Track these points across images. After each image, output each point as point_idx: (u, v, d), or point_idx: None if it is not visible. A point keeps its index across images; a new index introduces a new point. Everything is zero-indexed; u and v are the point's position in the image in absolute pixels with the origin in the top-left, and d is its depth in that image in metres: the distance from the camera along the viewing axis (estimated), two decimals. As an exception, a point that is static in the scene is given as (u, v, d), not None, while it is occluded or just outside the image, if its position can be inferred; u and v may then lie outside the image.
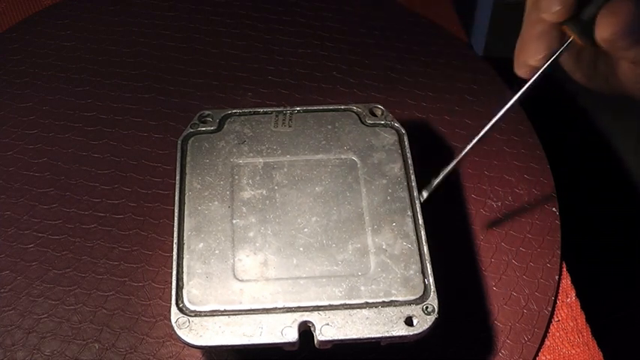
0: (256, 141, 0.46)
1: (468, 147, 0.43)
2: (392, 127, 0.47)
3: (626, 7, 0.36)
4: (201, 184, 0.44)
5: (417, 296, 0.40)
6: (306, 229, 0.42)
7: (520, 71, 0.41)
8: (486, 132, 0.42)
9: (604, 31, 0.37)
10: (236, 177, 0.44)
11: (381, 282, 0.40)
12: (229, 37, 0.62)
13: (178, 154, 0.46)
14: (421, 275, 0.40)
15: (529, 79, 0.40)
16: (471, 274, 0.48)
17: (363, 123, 0.47)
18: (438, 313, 0.39)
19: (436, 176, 0.44)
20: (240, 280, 0.40)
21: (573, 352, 0.46)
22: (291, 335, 0.38)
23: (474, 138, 0.43)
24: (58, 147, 0.54)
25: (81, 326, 0.45)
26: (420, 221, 0.43)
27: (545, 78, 0.40)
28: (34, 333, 0.45)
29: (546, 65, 0.40)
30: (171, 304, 0.39)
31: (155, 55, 0.61)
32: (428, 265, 0.41)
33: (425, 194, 0.44)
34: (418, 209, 0.43)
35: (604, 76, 0.44)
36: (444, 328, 0.40)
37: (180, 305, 0.39)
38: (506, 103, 0.41)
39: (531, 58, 0.40)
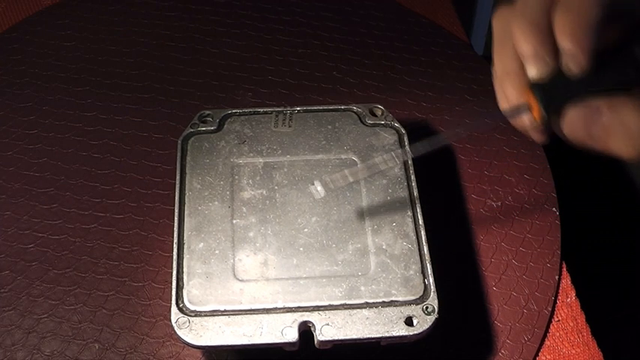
0: (256, 141, 0.46)
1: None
2: (392, 127, 0.47)
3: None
4: (201, 184, 0.44)
5: (417, 296, 0.40)
6: (306, 229, 0.42)
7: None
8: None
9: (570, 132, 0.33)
10: (236, 177, 0.44)
11: (381, 282, 0.40)
12: (229, 37, 0.62)
13: (178, 154, 0.46)
14: (421, 275, 0.40)
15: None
16: (471, 274, 0.48)
17: (363, 123, 0.47)
18: (438, 313, 0.39)
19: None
20: (240, 280, 0.40)
21: (573, 352, 0.46)
22: (292, 335, 0.38)
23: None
24: (58, 147, 0.54)
25: (81, 326, 0.45)
26: (420, 221, 0.43)
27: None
28: (34, 333, 0.45)
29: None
30: (171, 304, 0.39)
31: (155, 55, 0.61)
32: (428, 265, 0.41)
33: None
34: (418, 209, 0.43)
35: None
36: (444, 328, 0.40)
37: (181, 305, 0.39)
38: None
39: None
